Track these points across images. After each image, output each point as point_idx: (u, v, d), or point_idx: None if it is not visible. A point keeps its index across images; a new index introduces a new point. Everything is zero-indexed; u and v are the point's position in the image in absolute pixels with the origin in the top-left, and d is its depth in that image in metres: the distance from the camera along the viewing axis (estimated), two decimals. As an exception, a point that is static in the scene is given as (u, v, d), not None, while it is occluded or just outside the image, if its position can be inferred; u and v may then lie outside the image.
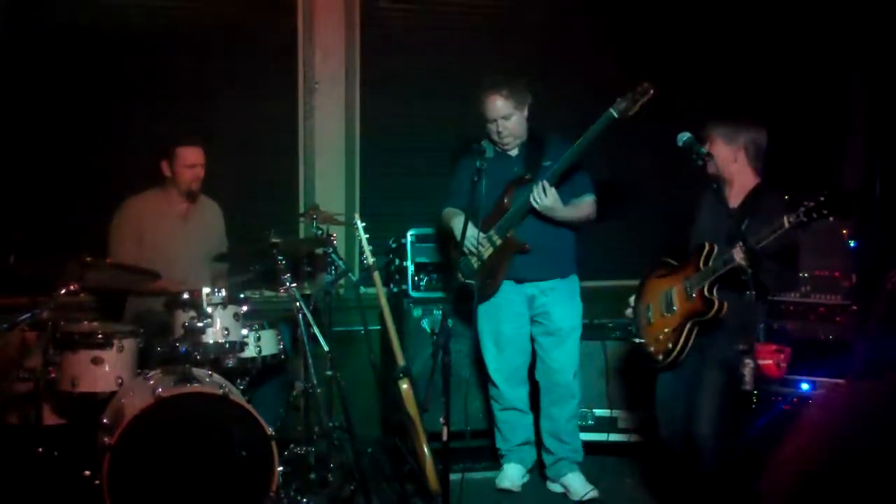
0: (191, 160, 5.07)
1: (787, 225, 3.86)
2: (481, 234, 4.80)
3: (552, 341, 5.01)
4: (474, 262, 4.90)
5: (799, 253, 4.38)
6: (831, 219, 3.84)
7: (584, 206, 4.94)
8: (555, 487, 5.10)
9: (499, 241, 4.91)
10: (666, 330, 4.36)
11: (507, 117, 4.86)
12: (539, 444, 5.16)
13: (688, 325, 4.26)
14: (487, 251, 4.90)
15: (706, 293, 4.18)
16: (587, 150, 4.73)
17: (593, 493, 4.94)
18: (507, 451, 5.18)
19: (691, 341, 4.27)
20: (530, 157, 4.97)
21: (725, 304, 4.15)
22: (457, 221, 4.99)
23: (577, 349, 5.06)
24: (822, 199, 3.78)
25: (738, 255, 3.98)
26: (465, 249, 4.74)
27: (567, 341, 5.01)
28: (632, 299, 4.65)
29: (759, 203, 4.24)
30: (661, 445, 4.62)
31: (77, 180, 5.43)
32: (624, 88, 4.60)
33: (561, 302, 5.00)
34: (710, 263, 4.18)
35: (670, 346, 4.31)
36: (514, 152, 5.00)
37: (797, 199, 3.89)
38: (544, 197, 4.73)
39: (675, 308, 4.33)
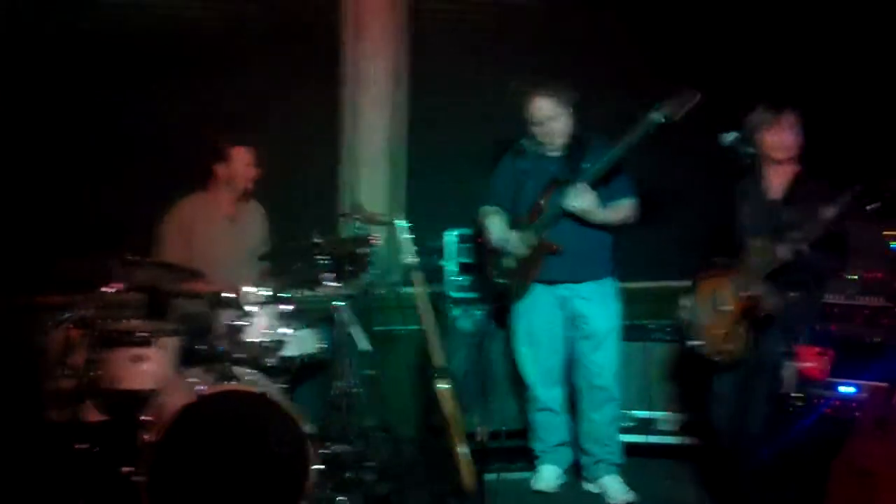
0: (247, 159, 5.15)
1: (830, 216, 3.85)
2: (516, 234, 4.79)
3: (590, 345, 4.99)
4: (508, 261, 4.89)
5: (847, 242, 4.34)
6: (876, 205, 3.78)
7: (623, 208, 4.92)
8: (591, 488, 5.08)
9: (533, 242, 4.91)
10: (721, 331, 4.32)
11: (554, 118, 4.86)
12: (577, 445, 5.14)
13: (742, 326, 4.22)
14: (521, 251, 4.88)
15: (755, 293, 4.14)
16: (626, 154, 4.70)
17: (631, 497, 4.91)
18: (542, 452, 5.17)
19: (748, 341, 4.23)
20: (570, 159, 4.94)
21: (777, 302, 4.11)
22: (493, 220, 5.01)
23: (615, 352, 5.02)
24: (869, 188, 3.77)
25: (785, 251, 3.95)
26: (501, 248, 4.71)
27: (604, 344, 4.98)
28: (684, 300, 4.61)
29: (802, 192, 4.21)
30: (716, 436, 4.60)
31: (121, 180, 5.49)
32: (668, 92, 4.57)
33: (596, 305, 4.97)
34: (759, 262, 4.14)
35: (728, 347, 4.28)
36: (555, 153, 4.99)
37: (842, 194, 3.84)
38: (580, 199, 4.72)
39: (727, 309, 4.29)
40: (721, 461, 4.58)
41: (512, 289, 4.72)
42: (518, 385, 5.27)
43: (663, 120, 4.55)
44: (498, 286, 4.84)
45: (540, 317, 5.01)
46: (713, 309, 4.38)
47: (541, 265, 4.93)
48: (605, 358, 5.00)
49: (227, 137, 5.17)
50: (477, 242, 5.52)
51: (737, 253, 4.32)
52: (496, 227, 4.98)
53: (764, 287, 4.14)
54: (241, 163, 5.13)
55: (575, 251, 4.87)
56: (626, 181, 4.96)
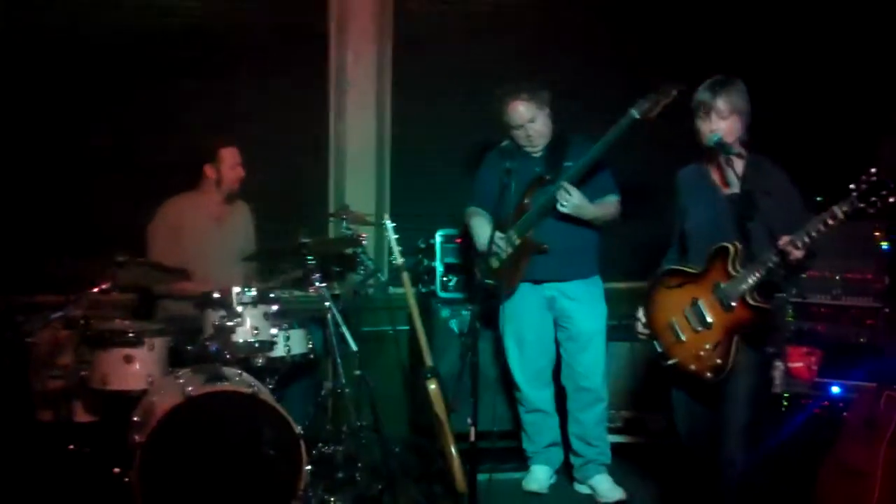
0: (234, 160, 5.13)
1: (839, 215, 3.52)
2: (500, 234, 4.78)
3: (576, 346, 4.99)
4: (493, 261, 4.90)
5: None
6: (889, 200, 3.44)
7: (609, 205, 4.93)
8: (582, 489, 5.09)
9: (517, 241, 4.91)
10: (707, 346, 3.87)
11: (533, 120, 4.86)
12: (567, 446, 5.15)
13: (735, 338, 3.81)
14: (506, 251, 4.89)
15: (751, 301, 3.77)
16: (608, 151, 4.71)
17: (620, 496, 4.92)
18: (533, 452, 5.17)
19: (740, 352, 3.82)
20: (552, 158, 4.95)
21: (773, 307, 3.83)
22: (477, 220, 5.02)
23: (602, 352, 5.03)
24: (875, 180, 3.43)
25: (795, 251, 3.60)
26: (487, 249, 4.69)
27: (591, 345, 4.99)
28: (640, 313, 4.18)
29: (763, 181, 3.85)
30: (686, 452, 4.29)
31: (112, 181, 5.49)
32: (645, 89, 4.58)
33: (582, 306, 4.98)
34: (743, 267, 3.79)
35: (719, 361, 3.83)
36: (537, 153, 4.99)
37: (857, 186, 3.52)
38: (570, 198, 4.72)
39: (710, 321, 3.87)
40: (697, 471, 4.23)
41: (499, 289, 4.71)
42: (509, 386, 5.27)
43: (639, 116, 4.57)
44: (485, 286, 4.83)
45: (528, 318, 5.01)
46: (690, 323, 3.94)
47: (527, 265, 4.93)
48: (591, 359, 5.00)
49: (216, 138, 5.16)
50: (462, 243, 5.53)
51: (707, 258, 3.93)
52: (481, 227, 4.98)
53: (756, 295, 3.78)
54: (230, 163, 5.12)
55: (561, 250, 4.86)
56: (609, 178, 4.97)
